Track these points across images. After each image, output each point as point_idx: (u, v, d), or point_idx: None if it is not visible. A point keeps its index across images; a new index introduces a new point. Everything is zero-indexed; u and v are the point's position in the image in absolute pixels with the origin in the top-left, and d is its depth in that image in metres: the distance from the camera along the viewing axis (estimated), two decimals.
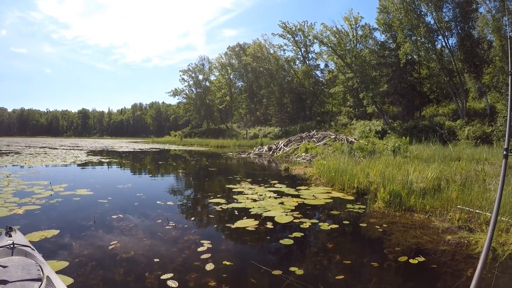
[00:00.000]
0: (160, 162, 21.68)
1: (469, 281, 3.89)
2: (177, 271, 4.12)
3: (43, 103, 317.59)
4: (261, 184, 11.03)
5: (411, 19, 35.28)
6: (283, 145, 26.35)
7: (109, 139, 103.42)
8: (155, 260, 4.45)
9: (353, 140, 23.72)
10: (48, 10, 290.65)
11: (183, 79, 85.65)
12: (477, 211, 6.17)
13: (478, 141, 27.84)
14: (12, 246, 3.18)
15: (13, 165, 16.47)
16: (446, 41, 36.45)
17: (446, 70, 36.25)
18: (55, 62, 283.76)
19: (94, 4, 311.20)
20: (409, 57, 40.42)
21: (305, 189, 10.02)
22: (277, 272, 4.09)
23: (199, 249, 4.86)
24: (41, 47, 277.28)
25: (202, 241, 5.19)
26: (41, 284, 2.60)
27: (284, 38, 63.77)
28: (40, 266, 2.86)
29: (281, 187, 10.38)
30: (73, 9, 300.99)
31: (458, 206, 6.56)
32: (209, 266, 4.24)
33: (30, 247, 3.36)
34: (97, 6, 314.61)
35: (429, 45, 36.22)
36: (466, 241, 5.12)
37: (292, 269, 4.17)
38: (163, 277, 3.94)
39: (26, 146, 39.60)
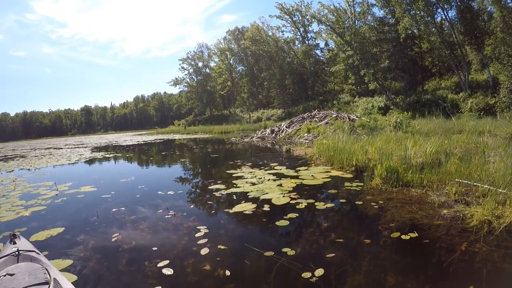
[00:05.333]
0: (163, 153, 21.72)
1: (463, 255, 3.94)
2: (174, 257, 4.27)
3: (46, 103, 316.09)
4: (261, 168, 11.09)
5: None
6: (285, 127, 26.32)
7: (113, 134, 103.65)
8: (154, 248, 4.59)
9: (355, 117, 23.66)
10: (44, 11, 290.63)
11: (183, 67, 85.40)
12: (474, 183, 6.18)
13: (481, 113, 27.65)
14: (17, 253, 3.25)
15: (19, 169, 16.55)
16: (446, 14, 36.02)
17: (447, 43, 35.88)
18: (55, 62, 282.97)
19: (90, 0, 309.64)
20: (409, 32, 39.94)
21: (304, 170, 10.06)
22: (269, 253, 4.19)
23: (196, 235, 5.00)
24: (40, 48, 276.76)
25: (199, 227, 5.32)
26: (49, 286, 2.66)
27: (282, 19, 63.28)
28: (46, 269, 2.91)
29: (280, 169, 10.43)
30: (69, 7, 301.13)
31: (456, 180, 6.57)
32: (205, 251, 4.38)
33: (35, 252, 3.43)
34: (93, 1, 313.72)
35: (429, 18, 35.73)
36: (461, 215, 5.12)
37: (284, 250, 4.27)
38: (160, 264, 4.08)
39: (31, 149, 39.63)
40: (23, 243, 3.64)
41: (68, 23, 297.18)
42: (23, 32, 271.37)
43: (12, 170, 16.29)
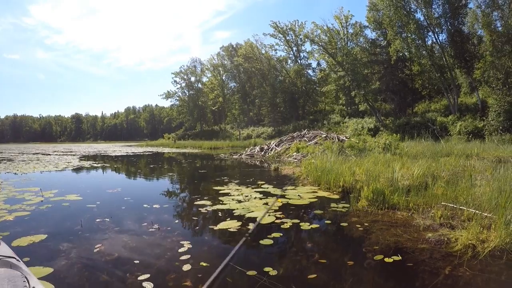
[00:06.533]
0: (151, 166, 21.63)
1: (446, 279, 3.93)
2: (155, 271, 4.21)
3: (36, 109, 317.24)
4: (249, 185, 11.02)
5: (401, 16, 35.51)
6: (275, 145, 26.36)
7: (102, 144, 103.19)
8: (136, 261, 4.54)
9: (344, 138, 23.77)
10: (40, 16, 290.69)
11: (175, 81, 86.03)
12: (460, 207, 6.22)
13: (470, 136, 28.09)
14: None
15: (6, 172, 16.41)
16: (437, 37, 36.91)
17: (437, 66, 36.55)
18: (49, 68, 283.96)
19: (87, 9, 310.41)
20: (400, 54, 40.62)
21: (291, 189, 10.03)
22: (251, 272, 4.13)
23: (179, 250, 4.94)
24: (34, 53, 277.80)
25: (183, 243, 5.26)
26: None
27: (276, 38, 64.24)
28: (26, 278, 2.86)
29: (267, 188, 10.39)
30: (66, 14, 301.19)
31: (442, 203, 6.60)
32: (187, 267, 4.32)
33: (15, 258, 3.36)
34: (90, 10, 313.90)
35: (420, 41, 36.48)
36: (446, 239, 5.11)
37: (266, 269, 4.21)
38: (141, 277, 4.03)
39: (19, 153, 39.39)
40: (3, 249, 3.58)
41: (64, 30, 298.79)
42: (19, 35, 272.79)
43: None
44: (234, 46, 78.49)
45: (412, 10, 36.19)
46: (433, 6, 35.57)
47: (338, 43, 47.24)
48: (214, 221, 6.62)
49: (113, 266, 4.43)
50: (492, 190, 6.41)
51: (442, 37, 36.96)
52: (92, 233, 5.93)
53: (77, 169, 18.31)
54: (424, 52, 36.85)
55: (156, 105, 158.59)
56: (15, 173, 16.02)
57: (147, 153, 37.49)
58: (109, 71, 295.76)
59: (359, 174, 9.86)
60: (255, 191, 9.81)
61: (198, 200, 8.77)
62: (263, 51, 69.00)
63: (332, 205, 7.88)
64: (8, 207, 8.01)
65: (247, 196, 9.07)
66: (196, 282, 3.91)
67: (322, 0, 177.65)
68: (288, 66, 66.99)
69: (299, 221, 6.48)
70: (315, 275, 4.07)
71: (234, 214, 7.13)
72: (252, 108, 73.51)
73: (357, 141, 20.19)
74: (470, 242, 4.85)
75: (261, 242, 5.34)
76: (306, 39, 55.57)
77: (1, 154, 36.68)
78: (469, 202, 6.30)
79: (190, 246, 5.12)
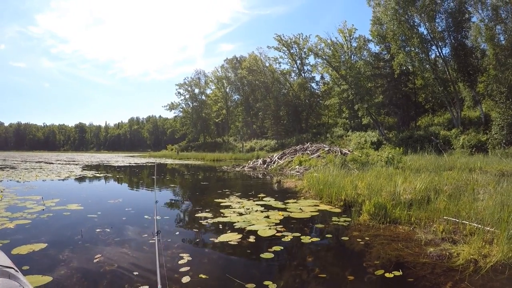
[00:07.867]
0: (154, 177, 21.62)
1: None
2: (154, 283, 4.13)
3: (41, 117, 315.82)
4: (250, 198, 11.00)
5: (404, 30, 35.51)
6: (277, 158, 26.36)
7: (106, 154, 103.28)
8: (135, 273, 4.53)
9: (347, 151, 23.74)
10: (47, 25, 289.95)
11: (179, 93, 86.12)
12: (463, 221, 6.16)
13: (473, 150, 27.97)
14: None
15: (8, 180, 16.45)
16: (440, 51, 36.83)
17: (440, 80, 36.42)
18: (54, 77, 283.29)
19: (94, 19, 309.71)
20: (404, 68, 40.57)
21: (293, 203, 10.01)
22: (250, 285, 4.11)
23: (179, 262, 4.92)
24: (40, 62, 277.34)
25: (183, 255, 5.24)
26: None
27: (280, 51, 64.36)
28: None
29: (269, 201, 10.37)
30: (73, 24, 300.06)
31: (444, 217, 6.55)
32: (186, 279, 4.30)
33: (14, 269, 3.34)
34: (97, 20, 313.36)
35: (423, 55, 36.38)
36: (447, 253, 5.08)
37: (266, 283, 4.18)
38: None
39: (22, 161, 39.51)
40: (2, 258, 3.55)
41: (70, 39, 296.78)
42: (25, 44, 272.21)
43: (1, 181, 16.19)
44: (238, 58, 78.74)
45: (415, 24, 36.20)
46: (437, 20, 35.65)
47: (342, 56, 47.31)
48: (215, 234, 6.59)
49: (112, 277, 4.42)
50: (494, 204, 6.39)
51: (446, 51, 36.97)
52: (92, 243, 5.93)
53: (79, 179, 18.35)
54: (427, 65, 36.70)
55: (160, 116, 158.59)
56: (18, 181, 16.07)
57: (150, 164, 37.43)
58: (114, 81, 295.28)
59: (361, 188, 9.82)
60: (256, 204, 9.79)
61: (200, 212, 8.76)
62: (267, 64, 69.19)
63: (334, 218, 7.86)
64: (9, 214, 8.05)
65: (249, 209, 9.05)
66: None
67: (326, 14, 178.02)
68: (291, 79, 67.10)
69: (300, 234, 6.45)
70: None
71: (235, 227, 7.11)
72: (256, 121, 73.44)
73: (360, 155, 20.17)
74: (472, 256, 4.82)
75: (262, 255, 5.31)
76: (310, 53, 55.83)
77: (4, 162, 36.81)
78: (471, 217, 6.26)
79: (190, 258, 5.10)
